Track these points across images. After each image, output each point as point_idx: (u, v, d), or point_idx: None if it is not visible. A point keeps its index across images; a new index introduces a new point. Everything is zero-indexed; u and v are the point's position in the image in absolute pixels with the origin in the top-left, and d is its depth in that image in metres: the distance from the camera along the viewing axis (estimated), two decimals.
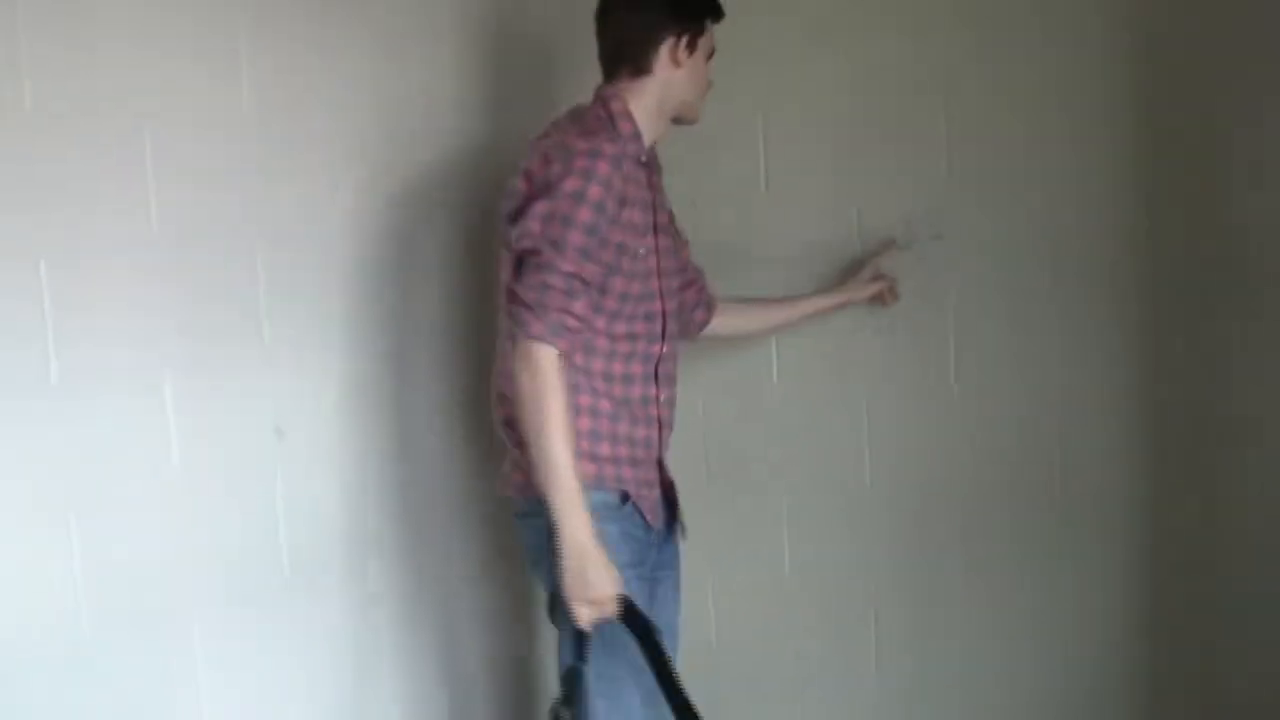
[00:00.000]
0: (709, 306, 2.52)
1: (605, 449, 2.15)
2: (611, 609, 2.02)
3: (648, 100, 2.17)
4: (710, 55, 2.25)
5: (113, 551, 1.91)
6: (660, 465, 2.28)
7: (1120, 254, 2.51)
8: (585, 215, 2.01)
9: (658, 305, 2.23)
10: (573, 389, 2.08)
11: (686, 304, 2.45)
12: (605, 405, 2.16)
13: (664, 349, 2.25)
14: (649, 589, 2.22)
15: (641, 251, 2.16)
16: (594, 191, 2.02)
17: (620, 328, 2.15)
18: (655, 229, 2.23)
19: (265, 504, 2.17)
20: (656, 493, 2.26)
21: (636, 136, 2.17)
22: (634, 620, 2.03)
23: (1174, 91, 2.44)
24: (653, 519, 2.22)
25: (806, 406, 2.80)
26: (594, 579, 2.00)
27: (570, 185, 2.00)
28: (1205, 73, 2.41)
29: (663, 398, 2.26)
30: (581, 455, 2.06)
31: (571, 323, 2.03)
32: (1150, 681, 2.57)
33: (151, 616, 1.97)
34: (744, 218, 2.76)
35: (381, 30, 2.36)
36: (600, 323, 2.12)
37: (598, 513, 2.06)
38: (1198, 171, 2.43)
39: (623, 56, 2.17)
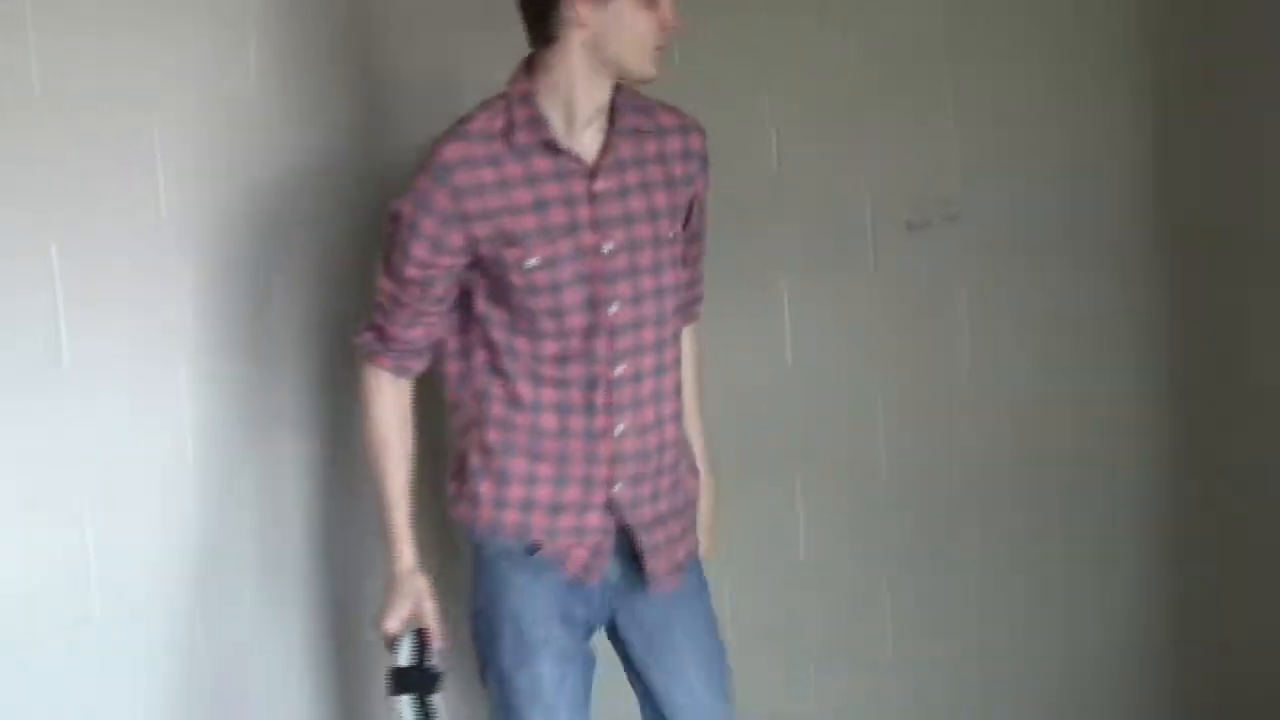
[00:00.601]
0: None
1: (516, 492, 1.91)
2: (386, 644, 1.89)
3: (559, 73, 1.85)
4: None
5: (126, 540, 1.92)
6: (612, 507, 1.93)
7: (1139, 240, 2.47)
8: (400, 235, 1.85)
9: (601, 319, 1.89)
10: (482, 422, 1.91)
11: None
12: (520, 440, 1.90)
13: (615, 372, 1.91)
14: (590, 648, 1.97)
15: (531, 263, 1.85)
16: (406, 210, 1.84)
17: (549, 348, 1.89)
18: (595, 225, 1.87)
19: (279, 494, 2.18)
20: (603, 540, 1.94)
21: (534, 124, 1.85)
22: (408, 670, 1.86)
23: (1194, 70, 2.39)
24: (579, 571, 1.92)
25: (821, 391, 2.75)
26: (387, 610, 1.90)
27: (395, 203, 1.86)
28: (1229, 49, 2.35)
29: (619, 429, 1.92)
30: (483, 500, 1.92)
31: (394, 344, 1.90)
32: (1163, 663, 2.57)
33: (163, 604, 1.99)
34: (756, 196, 2.69)
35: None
36: (521, 343, 1.89)
37: (503, 561, 1.92)
38: (1222, 153, 2.37)
39: (531, 25, 1.87)
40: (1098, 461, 2.56)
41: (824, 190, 2.70)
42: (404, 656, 1.84)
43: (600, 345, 1.89)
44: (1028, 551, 2.64)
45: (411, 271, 1.85)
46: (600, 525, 1.93)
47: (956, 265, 2.60)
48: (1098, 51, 2.46)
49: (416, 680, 1.83)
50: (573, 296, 1.87)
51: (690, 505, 2.04)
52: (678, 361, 2.00)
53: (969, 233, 2.57)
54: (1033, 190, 2.52)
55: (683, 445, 2.02)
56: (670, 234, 1.95)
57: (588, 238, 1.87)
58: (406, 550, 1.92)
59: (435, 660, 1.86)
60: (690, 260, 2.05)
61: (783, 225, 2.72)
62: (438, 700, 1.85)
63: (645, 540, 1.94)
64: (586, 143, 1.88)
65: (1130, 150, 2.46)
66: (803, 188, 2.71)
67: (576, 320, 1.88)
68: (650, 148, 1.93)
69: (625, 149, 1.91)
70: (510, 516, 1.91)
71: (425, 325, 1.90)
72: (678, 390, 1.99)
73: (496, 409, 1.90)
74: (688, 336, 2.09)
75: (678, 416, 1.99)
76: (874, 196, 2.65)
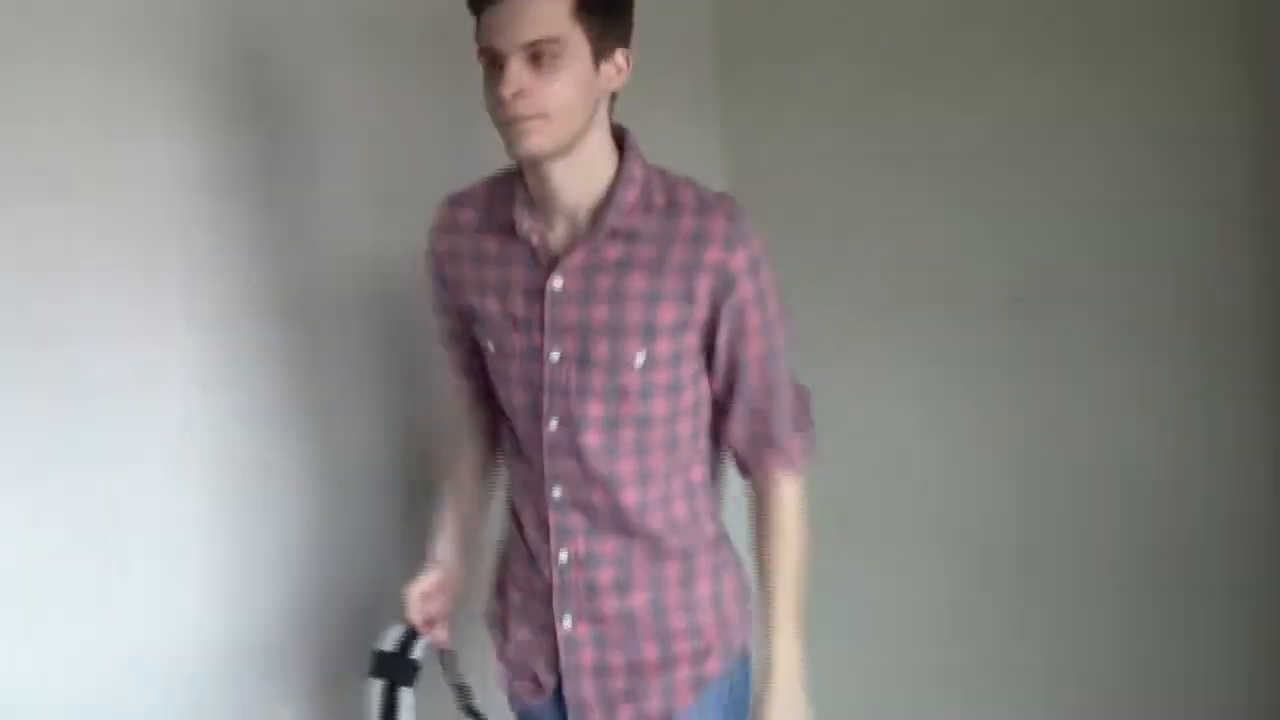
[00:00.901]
0: (740, 467, 1.80)
1: (503, 582, 1.84)
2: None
3: None
4: (486, 59, 1.57)
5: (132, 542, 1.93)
6: (558, 645, 1.73)
7: (1240, 296, 2.31)
8: None
9: (542, 431, 1.68)
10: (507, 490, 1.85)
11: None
12: (514, 528, 1.80)
13: (553, 493, 1.69)
14: None
15: (489, 347, 1.72)
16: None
17: (520, 444, 1.75)
18: (542, 327, 1.65)
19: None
20: (543, 672, 1.77)
21: (511, 201, 1.68)
22: (386, 654, 1.81)
23: None
24: (526, 695, 1.80)
25: (909, 459, 2.70)
26: None
27: None
28: None
29: (562, 557, 1.70)
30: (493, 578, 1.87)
31: (451, 369, 1.86)
32: None
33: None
34: (841, 253, 2.67)
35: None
36: (505, 428, 1.78)
37: None
38: None
39: None
40: (1201, 536, 2.39)
41: (937, 264, 2.62)
42: (387, 640, 1.80)
43: (540, 460, 1.70)
44: (1151, 640, 2.49)
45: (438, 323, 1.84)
46: (548, 657, 1.75)
47: (1051, 327, 2.50)
48: (1205, 109, 2.31)
49: (391, 666, 1.79)
50: (520, 396, 1.70)
51: (692, 660, 1.73)
52: (666, 504, 1.70)
53: (1084, 305, 2.46)
54: (1129, 244, 2.40)
55: (700, 591, 1.74)
56: (638, 359, 1.63)
57: (537, 338, 1.67)
58: (432, 544, 1.84)
59: (419, 654, 1.79)
60: (733, 396, 1.70)
61: (872, 281, 2.68)
62: (407, 694, 1.78)
63: (578, 690, 1.73)
64: (561, 232, 1.66)
65: (1248, 215, 2.29)
66: (922, 263, 2.65)
67: (523, 424, 1.72)
68: (647, 253, 1.62)
69: (610, 249, 1.63)
70: (490, 606, 1.86)
71: (460, 360, 1.85)
72: (665, 534, 1.71)
73: (510, 485, 1.82)
74: (770, 490, 1.75)
75: (665, 558, 1.71)
76: (987, 270, 2.56)
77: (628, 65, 1.62)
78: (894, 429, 2.70)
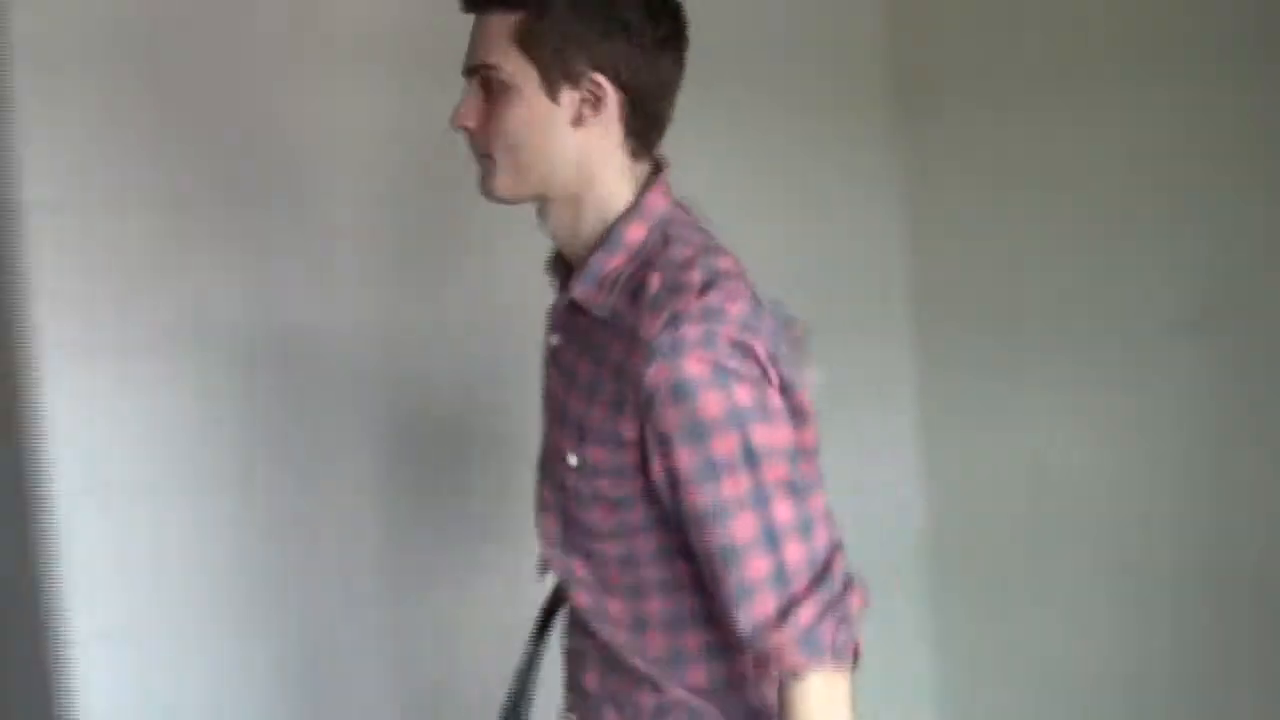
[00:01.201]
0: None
1: None
2: None
3: None
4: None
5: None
6: None
7: None
8: None
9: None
10: None
11: None
12: None
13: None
14: None
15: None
16: None
17: None
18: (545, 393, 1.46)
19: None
20: None
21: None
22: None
23: None
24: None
25: (1079, 484, 2.55)
26: None
27: None
28: None
29: (565, 641, 1.49)
30: None
31: None
32: None
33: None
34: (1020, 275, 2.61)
35: None
36: None
37: None
38: None
39: None
40: None
41: (1115, 286, 2.48)
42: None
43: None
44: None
45: None
46: None
47: (1200, 377, 2.36)
48: None
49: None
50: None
51: None
52: (639, 629, 1.36)
53: (1264, 325, 2.29)
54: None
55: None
56: (571, 459, 1.34)
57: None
58: None
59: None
60: (697, 555, 1.29)
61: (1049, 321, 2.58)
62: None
63: None
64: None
65: None
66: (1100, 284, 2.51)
67: None
68: (600, 339, 1.33)
69: (581, 319, 1.36)
70: None
71: None
72: (628, 655, 1.37)
73: None
74: (780, 681, 1.28)
75: (640, 682, 1.37)
76: (1165, 291, 2.42)
77: (611, 91, 1.30)
78: (1064, 454, 2.59)
